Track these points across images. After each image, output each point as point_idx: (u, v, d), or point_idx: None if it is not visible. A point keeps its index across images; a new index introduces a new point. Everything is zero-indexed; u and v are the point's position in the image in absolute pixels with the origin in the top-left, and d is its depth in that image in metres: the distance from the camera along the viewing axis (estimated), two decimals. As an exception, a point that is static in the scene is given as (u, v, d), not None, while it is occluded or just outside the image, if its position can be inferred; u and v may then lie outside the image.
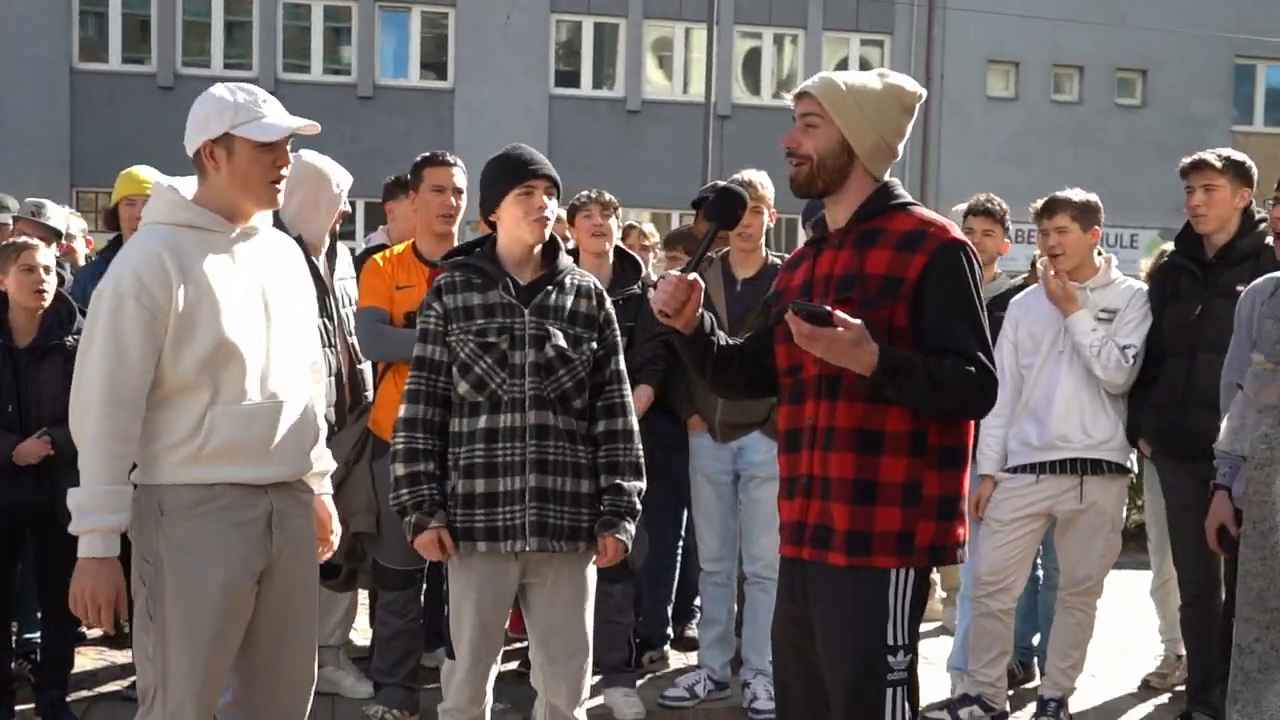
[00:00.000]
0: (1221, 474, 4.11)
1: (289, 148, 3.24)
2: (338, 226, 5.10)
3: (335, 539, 3.54)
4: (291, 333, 3.28)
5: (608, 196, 5.22)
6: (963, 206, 5.64)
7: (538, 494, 3.51)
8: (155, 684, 3.13)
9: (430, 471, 3.55)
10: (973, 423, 3.10)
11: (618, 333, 3.76)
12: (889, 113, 3.04)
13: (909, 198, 3.11)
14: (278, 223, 3.42)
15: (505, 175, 3.60)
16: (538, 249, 3.65)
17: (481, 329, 3.54)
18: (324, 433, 3.48)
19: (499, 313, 3.56)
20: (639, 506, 3.71)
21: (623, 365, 3.76)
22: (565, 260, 3.71)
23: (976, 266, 3.00)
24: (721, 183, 3.34)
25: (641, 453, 3.74)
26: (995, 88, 23.91)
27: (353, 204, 6.41)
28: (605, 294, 3.76)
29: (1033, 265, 5.82)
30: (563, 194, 3.78)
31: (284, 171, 3.21)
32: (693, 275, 3.03)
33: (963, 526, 3.06)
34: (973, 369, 2.90)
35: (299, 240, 4.88)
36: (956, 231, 3.01)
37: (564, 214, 5.29)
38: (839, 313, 2.79)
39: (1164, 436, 4.85)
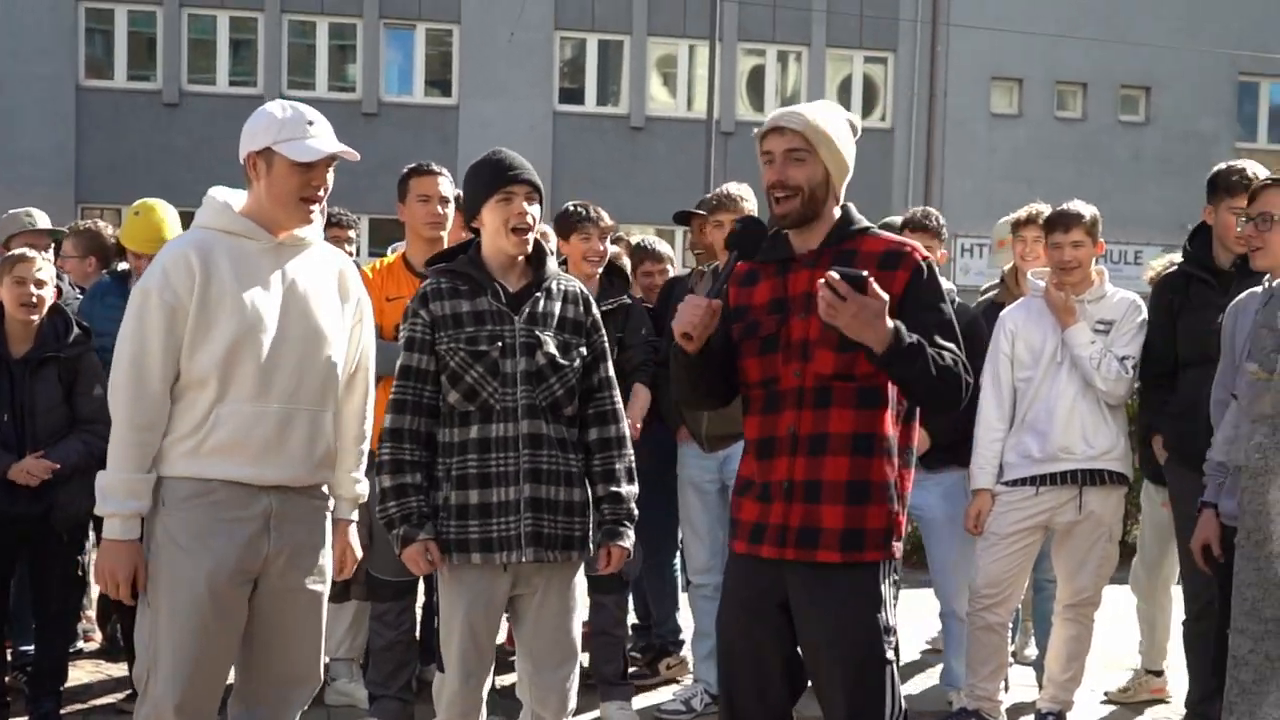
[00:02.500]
0: (1209, 491, 4.08)
1: (330, 170, 3.33)
2: None
3: (348, 569, 3.59)
4: (316, 344, 3.32)
5: (606, 220, 5.16)
6: (1011, 218, 5.75)
7: (532, 504, 3.49)
8: (148, 669, 3.26)
9: (418, 483, 3.51)
10: (916, 426, 3.36)
11: (605, 338, 3.74)
12: (847, 143, 3.29)
13: (866, 223, 3.34)
14: None
15: (485, 182, 3.57)
16: (521, 256, 3.62)
17: (472, 337, 3.50)
18: (364, 460, 3.51)
19: (489, 320, 3.53)
20: (636, 512, 3.71)
21: (611, 371, 3.74)
22: (552, 265, 3.69)
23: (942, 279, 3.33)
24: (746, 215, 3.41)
25: (633, 457, 3.73)
26: (999, 105, 23.92)
27: (358, 219, 6.42)
28: (592, 299, 3.74)
29: (1002, 279, 5.80)
30: (559, 207, 3.78)
31: (320, 193, 3.30)
32: (716, 301, 3.14)
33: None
34: (960, 364, 3.13)
35: None
36: (924, 250, 3.29)
37: (550, 228, 5.29)
38: (874, 283, 2.95)
39: (1179, 445, 4.82)
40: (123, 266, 5.49)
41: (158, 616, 3.23)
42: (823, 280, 2.98)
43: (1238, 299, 4.19)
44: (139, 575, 3.21)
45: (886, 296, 2.98)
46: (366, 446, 3.56)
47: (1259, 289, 4.06)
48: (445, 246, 4.79)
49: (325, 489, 3.46)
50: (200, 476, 3.21)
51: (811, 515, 3.15)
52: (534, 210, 3.60)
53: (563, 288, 3.66)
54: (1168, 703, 5.54)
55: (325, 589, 3.49)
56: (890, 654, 3.18)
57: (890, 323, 2.98)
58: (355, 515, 3.57)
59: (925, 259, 3.22)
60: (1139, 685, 5.61)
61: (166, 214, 5.26)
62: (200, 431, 3.20)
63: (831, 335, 3.08)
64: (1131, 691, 5.59)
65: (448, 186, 4.89)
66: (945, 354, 3.09)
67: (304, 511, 3.36)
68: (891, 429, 3.19)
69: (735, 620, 3.33)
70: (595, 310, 3.72)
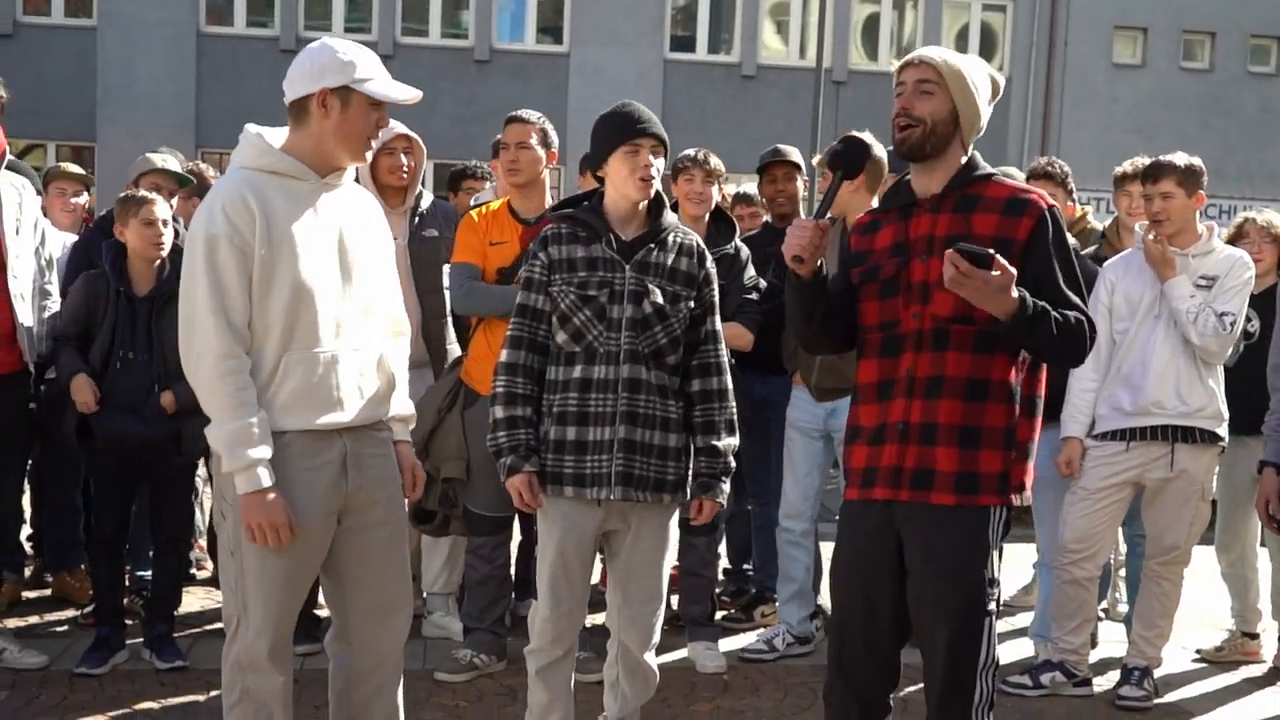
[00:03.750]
0: (1270, 450, 4.07)
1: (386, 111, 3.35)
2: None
3: (419, 485, 3.64)
4: (366, 284, 3.37)
5: (713, 163, 5.20)
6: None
7: (625, 445, 3.59)
8: (237, 614, 3.31)
9: (528, 416, 3.64)
10: (1044, 375, 3.33)
11: (716, 292, 3.81)
12: (984, 96, 3.28)
13: (990, 169, 3.32)
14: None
15: (613, 132, 3.67)
16: (643, 205, 3.71)
17: (583, 281, 3.62)
18: (404, 382, 3.57)
19: (600, 266, 3.64)
20: (733, 465, 3.79)
21: (719, 325, 3.81)
22: (670, 217, 3.77)
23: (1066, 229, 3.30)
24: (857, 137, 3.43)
25: (735, 410, 3.81)
26: (1122, 55, 23.25)
27: (490, 170, 6.48)
28: (707, 252, 3.81)
29: (1104, 234, 5.73)
30: (671, 155, 3.82)
31: (382, 133, 3.35)
32: (825, 219, 3.22)
33: (1032, 468, 3.30)
34: (1085, 321, 3.16)
35: None
36: (1049, 198, 3.25)
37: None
38: (1000, 258, 2.98)
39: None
40: None
41: (244, 564, 3.24)
42: (948, 253, 3.00)
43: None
44: (291, 517, 3.16)
45: (1014, 271, 3.00)
46: (406, 373, 3.59)
47: None
48: (531, 188, 4.88)
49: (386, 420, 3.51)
50: (276, 428, 3.19)
51: (926, 457, 3.18)
52: (658, 163, 3.69)
53: (678, 239, 3.74)
54: (1263, 663, 5.50)
55: (405, 517, 3.60)
56: (991, 605, 3.21)
57: (1015, 292, 3.01)
58: (407, 435, 3.61)
59: (1051, 207, 3.21)
60: (1233, 646, 5.57)
61: None
62: (274, 382, 3.19)
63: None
64: (1226, 651, 5.56)
65: (525, 133, 4.91)
66: (1070, 314, 3.12)
67: (375, 447, 3.42)
68: (1011, 375, 3.20)
69: (848, 569, 3.36)
70: (709, 263, 3.79)
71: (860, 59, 22.82)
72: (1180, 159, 4.81)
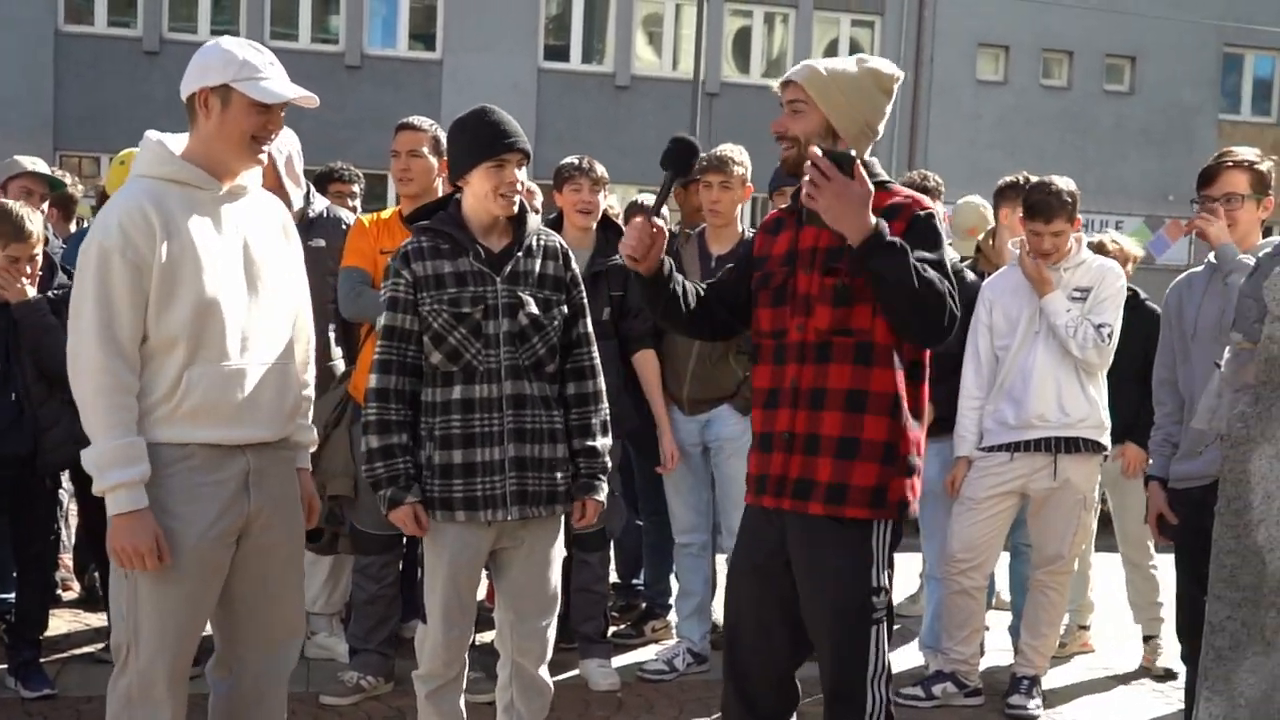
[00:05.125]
0: (1156, 465, 4.19)
1: (283, 114, 3.22)
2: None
3: (315, 515, 3.54)
4: (274, 295, 3.26)
5: (599, 171, 5.13)
6: (979, 201, 6.00)
7: (517, 463, 3.50)
8: (128, 641, 3.13)
9: (404, 444, 3.51)
10: (926, 388, 3.30)
11: (584, 293, 3.73)
12: (868, 96, 3.25)
13: (885, 176, 3.31)
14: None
15: (476, 145, 3.52)
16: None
17: (454, 298, 3.49)
18: (310, 403, 3.46)
19: (471, 281, 3.51)
20: (610, 464, 3.74)
21: (589, 327, 3.73)
22: (533, 222, 3.67)
23: (945, 231, 3.23)
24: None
25: (608, 411, 3.74)
26: (985, 71, 23.90)
27: (360, 174, 6.35)
28: (570, 253, 3.72)
29: (979, 249, 5.80)
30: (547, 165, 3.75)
31: (273, 136, 3.21)
32: (656, 220, 3.23)
33: (917, 483, 3.28)
34: (948, 290, 3.05)
35: None
36: (928, 203, 3.23)
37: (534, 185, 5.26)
38: (861, 167, 2.98)
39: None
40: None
41: (139, 585, 3.09)
42: (809, 152, 3.03)
43: (1179, 278, 4.25)
44: (161, 540, 3.02)
45: (872, 187, 3.00)
46: (312, 392, 3.50)
47: (1199, 269, 4.13)
48: (424, 197, 4.77)
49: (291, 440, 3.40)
50: (177, 441, 3.09)
51: (808, 467, 3.19)
52: (522, 175, 3.58)
53: (542, 243, 3.65)
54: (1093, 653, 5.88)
55: (303, 540, 3.48)
56: (879, 612, 3.19)
57: (873, 216, 2.98)
58: (308, 461, 3.52)
59: (926, 210, 3.19)
60: (1073, 639, 5.85)
61: None
62: (174, 396, 3.07)
63: (829, 290, 3.13)
64: (1069, 646, 5.80)
65: (415, 141, 4.81)
66: (931, 270, 3.02)
67: (279, 466, 3.31)
68: (892, 387, 3.17)
69: (741, 578, 3.36)
70: (574, 264, 3.71)
71: (732, 71, 23.04)
72: (1065, 194, 4.80)
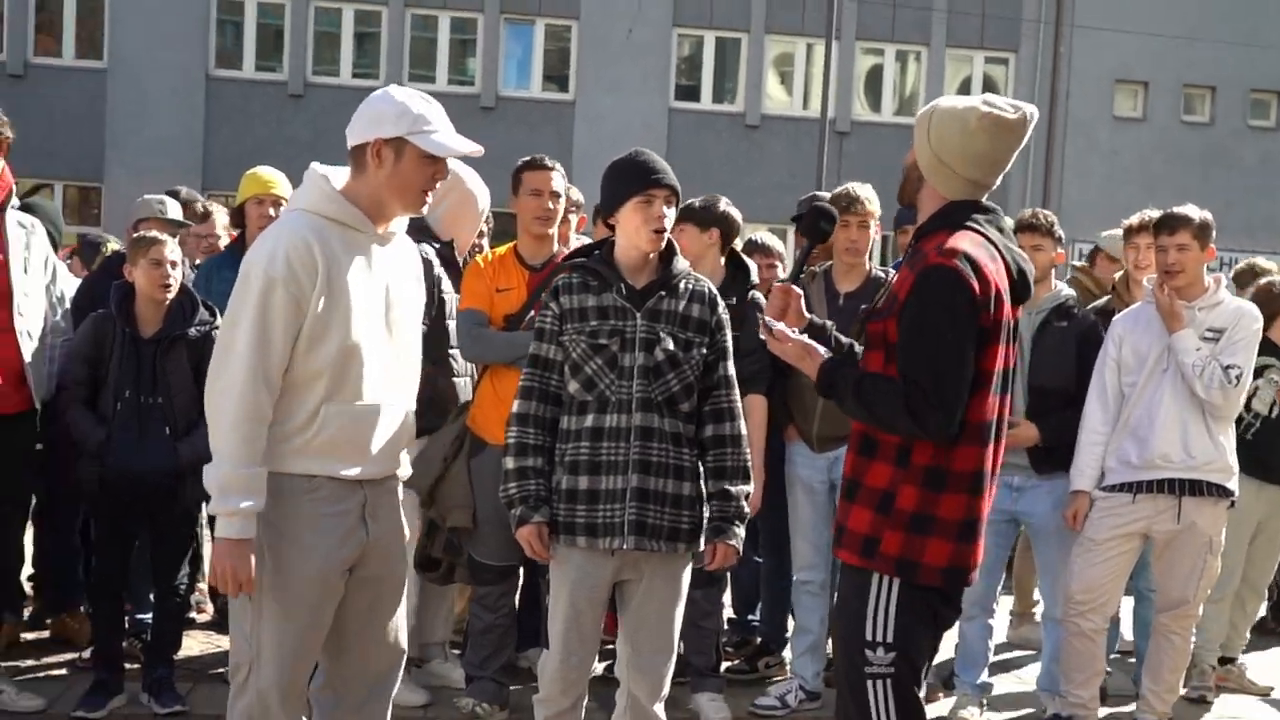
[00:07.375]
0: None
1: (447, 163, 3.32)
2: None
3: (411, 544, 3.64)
4: (405, 339, 3.39)
5: (720, 209, 5.09)
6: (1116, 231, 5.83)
7: (639, 494, 3.58)
8: (249, 661, 3.26)
9: (539, 467, 3.64)
10: (975, 450, 3.07)
11: (729, 338, 3.81)
12: (947, 134, 3.12)
13: (968, 219, 3.13)
14: (424, 226, 3.41)
15: (626, 182, 3.67)
16: (654, 254, 3.72)
17: (594, 330, 3.63)
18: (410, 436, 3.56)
19: (611, 315, 3.64)
20: (747, 511, 3.78)
21: (732, 370, 3.81)
22: (681, 264, 3.77)
23: (959, 291, 2.97)
24: (822, 196, 3.44)
25: (749, 457, 3.80)
26: (1123, 108, 23.42)
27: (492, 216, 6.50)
28: (719, 299, 3.81)
29: (1113, 287, 5.72)
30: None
31: (439, 185, 3.31)
32: (791, 285, 3.32)
33: (964, 550, 3.08)
34: (903, 392, 2.99)
35: (449, 244, 5.03)
36: (959, 255, 2.99)
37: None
38: (778, 329, 3.21)
39: None
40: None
41: (263, 610, 3.20)
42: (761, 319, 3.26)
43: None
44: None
45: (797, 340, 3.20)
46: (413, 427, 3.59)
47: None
48: (555, 240, 4.90)
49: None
50: (307, 473, 3.19)
51: (842, 510, 3.25)
52: (671, 213, 3.70)
53: (690, 287, 3.74)
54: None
55: (406, 570, 3.60)
56: (877, 668, 3.09)
57: (819, 360, 3.17)
58: (403, 493, 3.60)
59: (939, 265, 2.99)
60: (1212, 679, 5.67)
61: (272, 174, 5.77)
62: (309, 429, 3.17)
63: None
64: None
65: (559, 181, 4.95)
66: (881, 383, 3.04)
67: (389, 499, 3.42)
68: (901, 438, 3.06)
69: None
70: (722, 309, 3.80)
71: (863, 110, 22.97)
72: (1194, 212, 4.82)
